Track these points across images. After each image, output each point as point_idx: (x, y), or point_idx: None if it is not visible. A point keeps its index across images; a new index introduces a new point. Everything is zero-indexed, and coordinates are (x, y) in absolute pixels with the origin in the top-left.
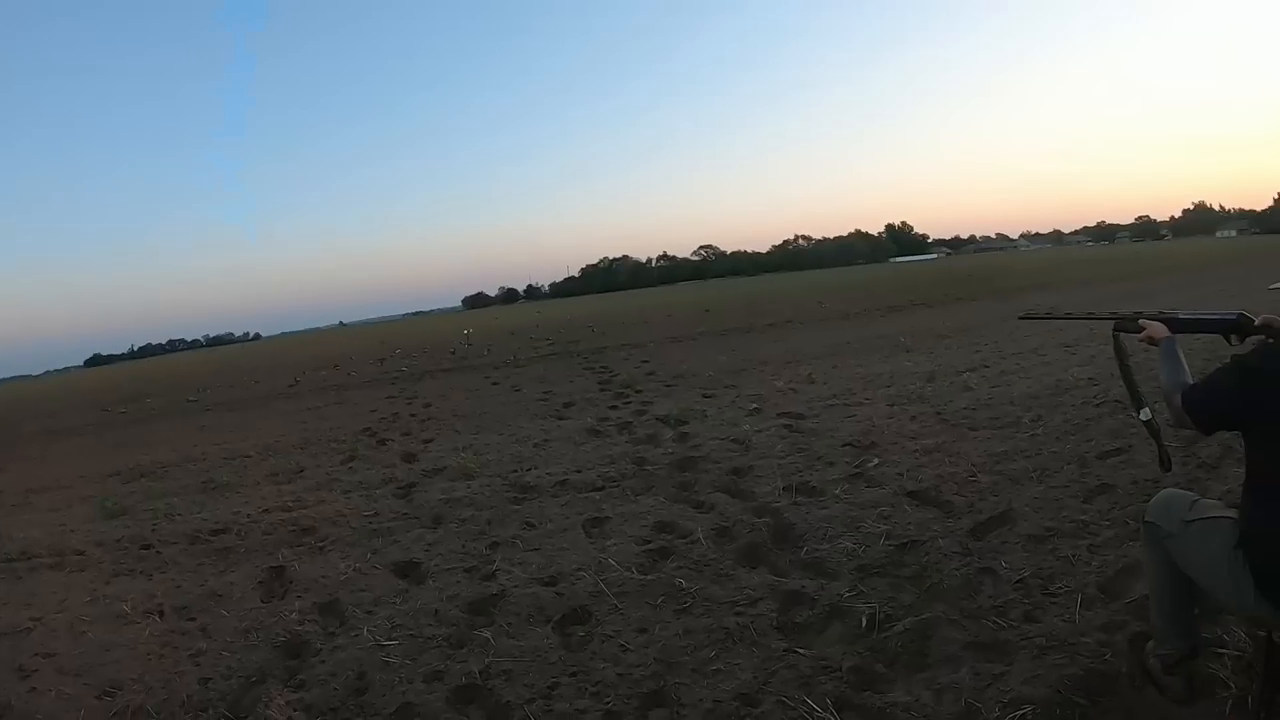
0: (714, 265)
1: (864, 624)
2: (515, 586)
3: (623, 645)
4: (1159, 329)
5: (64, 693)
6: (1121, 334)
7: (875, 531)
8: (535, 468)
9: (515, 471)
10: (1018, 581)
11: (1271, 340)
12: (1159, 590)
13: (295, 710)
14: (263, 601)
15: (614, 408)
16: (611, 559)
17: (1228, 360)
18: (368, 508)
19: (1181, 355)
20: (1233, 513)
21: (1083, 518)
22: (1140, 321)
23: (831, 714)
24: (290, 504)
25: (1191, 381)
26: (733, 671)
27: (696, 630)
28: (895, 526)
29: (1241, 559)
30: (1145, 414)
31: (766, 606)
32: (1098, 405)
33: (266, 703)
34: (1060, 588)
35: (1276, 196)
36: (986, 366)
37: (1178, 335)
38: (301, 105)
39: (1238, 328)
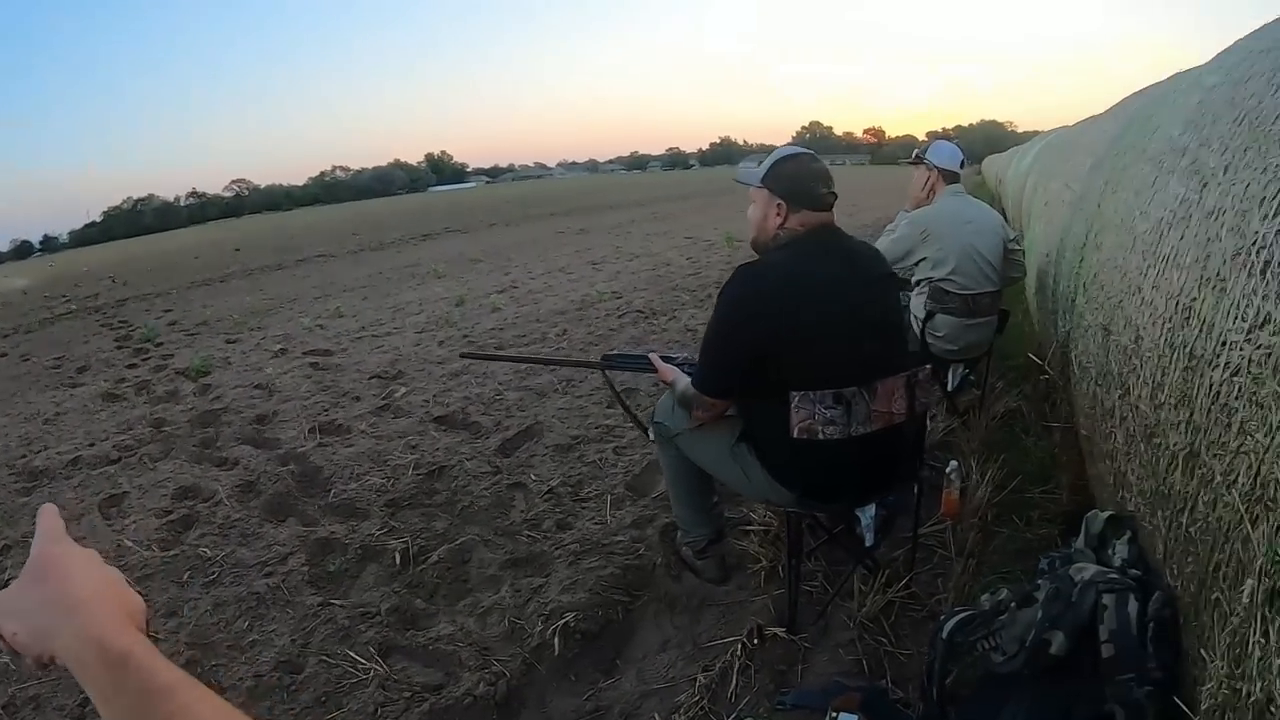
0: (248, 200)
1: (399, 561)
2: None
3: (153, 635)
4: (664, 371)
5: None
6: (605, 369)
7: (403, 462)
8: (46, 448)
9: (24, 456)
10: (548, 492)
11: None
12: (677, 484)
13: None
14: None
15: (132, 366)
16: (130, 540)
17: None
18: None
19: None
20: (730, 410)
21: (607, 422)
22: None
23: (377, 663)
24: None
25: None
26: (270, 639)
27: (228, 602)
28: (423, 455)
29: (746, 449)
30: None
31: (297, 561)
32: (620, 316)
33: None
34: (590, 492)
35: (794, 135)
36: (515, 287)
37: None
38: None
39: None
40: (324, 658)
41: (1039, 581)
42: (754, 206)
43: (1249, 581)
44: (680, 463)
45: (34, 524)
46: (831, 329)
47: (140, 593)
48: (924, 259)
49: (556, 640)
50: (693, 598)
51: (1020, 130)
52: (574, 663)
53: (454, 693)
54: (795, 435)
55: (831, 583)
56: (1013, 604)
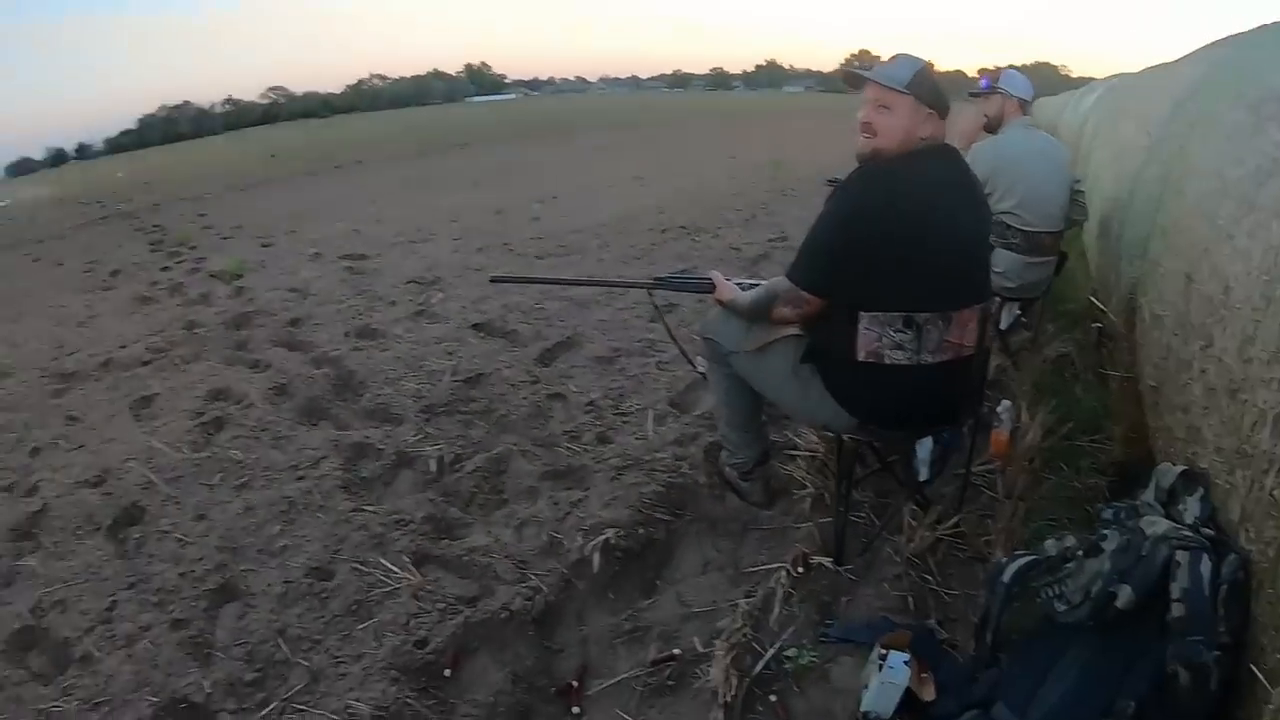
0: (285, 108)
1: (434, 468)
2: (59, 496)
3: (181, 539)
4: (724, 289)
5: None
6: (653, 291)
7: (440, 369)
8: (78, 350)
9: (56, 359)
10: (589, 404)
11: (856, 170)
12: (726, 404)
13: None
14: None
15: (165, 269)
16: (160, 442)
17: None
18: None
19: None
20: (793, 329)
21: (650, 336)
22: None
23: (410, 571)
24: None
25: (772, 279)
26: (301, 545)
27: (258, 506)
28: (461, 361)
29: (809, 370)
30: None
31: (330, 465)
32: (663, 231)
33: None
34: (631, 406)
35: (843, 61)
36: (556, 198)
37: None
38: None
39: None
40: (356, 565)
41: (1104, 532)
42: (894, 114)
43: None
44: (731, 382)
45: (65, 425)
46: (942, 248)
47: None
48: (991, 191)
49: (596, 557)
50: (735, 520)
51: (1074, 75)
52: (614, 581)
53: (490, 606)
54: (861, 358)
55: (879, 515)
56: (1080, 552)
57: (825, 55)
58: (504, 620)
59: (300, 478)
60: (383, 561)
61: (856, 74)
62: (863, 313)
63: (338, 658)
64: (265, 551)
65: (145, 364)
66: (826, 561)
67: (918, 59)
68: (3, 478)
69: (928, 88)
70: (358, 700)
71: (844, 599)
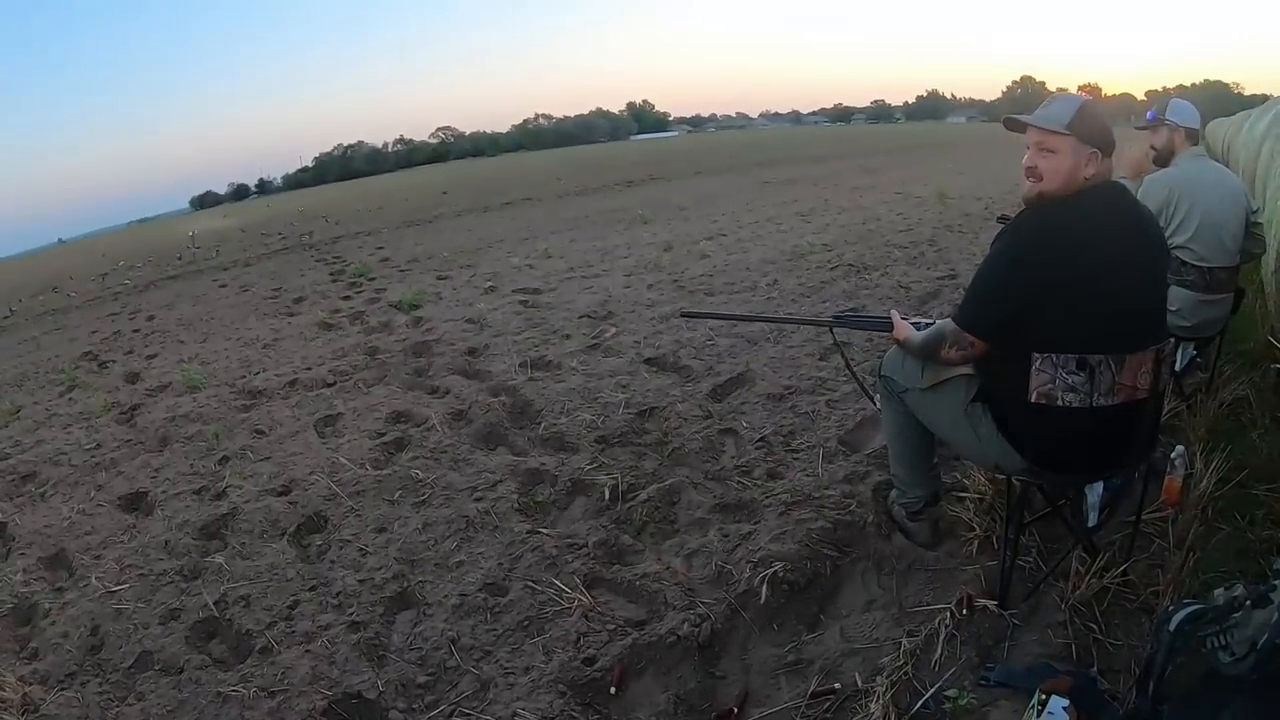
0: (454, 146)
1: (607, 496)
2: (247, 502)
3: (362, 549)
4: (900, 329)
5: None
6: (834, 329)
7: (614, 401)
8: (264, 370)
9: (244, 377)
10: (759, 440)
11: (1024, 211)
12: (898, 442)
13: (30, 684)
14: None
15: (346, 298)
16: (344, 458)
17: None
18: (89, 440)
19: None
20: (966, 369)
21: (820, 374)
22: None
23: (581, 593)
24: (8, 450)
25: (941, 320)
26: (477, 561)
27: (437, 522)
28: (634, 394)
29: (981, 410)
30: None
31: (507, 489)
32: (832, 269)
33: None
34: (802, 443)
35: (1005, 89)
36: (724, 235)
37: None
38: None
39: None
40: (529, 584)
41: (1275, 583)
42: (1057, 156)
43: None
44: (904, 421)
45: (252, 438)
46: (1111, 290)
47: (352, 508)
48: (1164, 225)
49: (764, 589)
50: (901, 560)
51: (1248, 93)
52: (778, 613)
53: (657, 630)
54: (1033, 399)
55: (1045, 560)
56: (1248, 602)
57: (988, 83)
58: (670, 644)
59: (478, 499)
60: (555, 582)
61: (1016, 119)
62: (1036, 353)
63: (507, 669)
64: (442, 565)
65: (329, 385)
66: (991, 604)
67: (1078, 97)
68: (193, 482)
69: (1089, 126)
70: (524, 709)
71: (1006, 643)
